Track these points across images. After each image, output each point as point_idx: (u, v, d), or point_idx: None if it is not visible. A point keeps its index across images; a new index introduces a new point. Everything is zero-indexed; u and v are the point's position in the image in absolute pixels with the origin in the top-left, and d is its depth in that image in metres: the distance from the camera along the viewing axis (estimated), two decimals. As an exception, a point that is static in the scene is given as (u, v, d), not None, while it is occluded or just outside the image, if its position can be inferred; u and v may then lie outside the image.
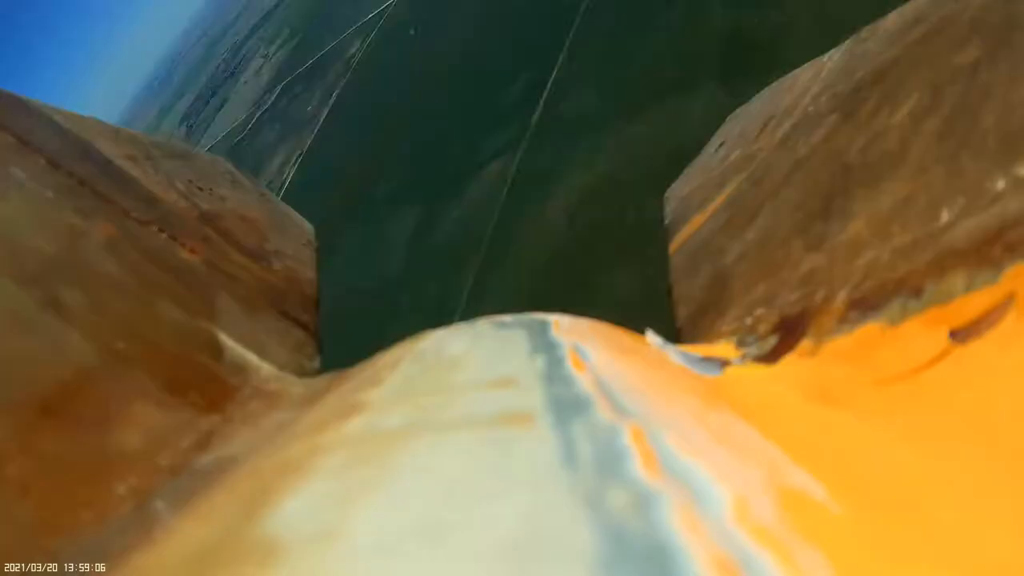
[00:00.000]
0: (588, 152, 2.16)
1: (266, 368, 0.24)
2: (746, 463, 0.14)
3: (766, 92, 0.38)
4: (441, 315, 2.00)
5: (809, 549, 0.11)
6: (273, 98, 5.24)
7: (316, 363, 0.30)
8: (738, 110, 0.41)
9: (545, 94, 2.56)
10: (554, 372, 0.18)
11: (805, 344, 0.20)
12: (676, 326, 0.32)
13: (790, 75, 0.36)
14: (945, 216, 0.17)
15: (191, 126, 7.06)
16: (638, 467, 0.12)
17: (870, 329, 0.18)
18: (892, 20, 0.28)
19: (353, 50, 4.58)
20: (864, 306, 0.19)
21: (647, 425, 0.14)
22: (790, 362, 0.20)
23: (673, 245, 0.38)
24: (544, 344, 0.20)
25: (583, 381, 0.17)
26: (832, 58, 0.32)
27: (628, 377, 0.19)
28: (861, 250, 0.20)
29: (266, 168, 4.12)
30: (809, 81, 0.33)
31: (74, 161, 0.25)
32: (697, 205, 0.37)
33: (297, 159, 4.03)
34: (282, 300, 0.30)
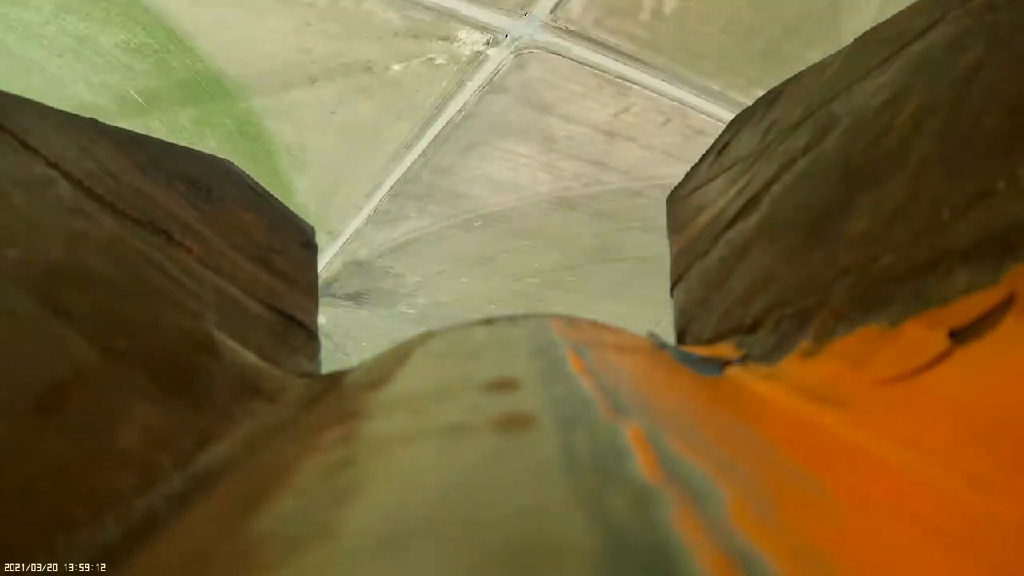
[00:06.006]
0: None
1: (266, 368, 0.24)
2: (746, 463, 0.14)
3: (770, 94, 0.38)
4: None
5: (809, 549, 0.11)
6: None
7: (316, 363, 0.30)
8: (741, 112, 0.41)
9: None
10: (554, 372, 0.18)
11: (805, 344, 0.20)
12: (676, 326, 0.32)
13: (793, 77, 0.36)
14: (945, 216, 0.17)
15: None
16: (638, 467, 0.12)
17: (870, 329, 0.18)
18: (894, 22, 0.28)
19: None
20: (864, 306, 0.19)
21: (647, 425, 0.14)
22: (790, 362, 0.20)
23: (675, 247, 0.38)
24: (544, 344, 0.20)
25: (583, 381, 0.17)
26: (835, 61, 0.32)
27: (628, 377, 0.19)
28: (861, 250, 0.20)
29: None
30: (812, 83, 0.33)
31: (74, 161, 0.25)
32: (699, 207, 0.37)
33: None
34: (282, 300, 0.30)
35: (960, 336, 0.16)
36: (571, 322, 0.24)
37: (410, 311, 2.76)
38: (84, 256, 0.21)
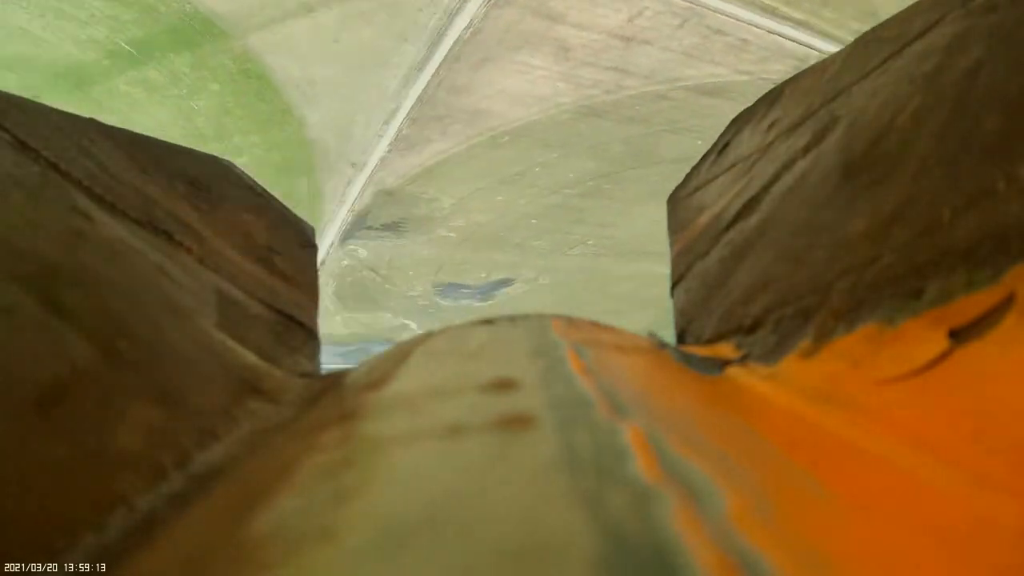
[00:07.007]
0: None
1: (266, 368, 0.24)
2: (746, 463, 0.14)
3: (770, 94, 0.38)
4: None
5: (809, 549, 0.11)
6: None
7: (316, 363, 0.30)
8: (742, 112, 0.41)
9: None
10: (554, 372, 0.18)
11: (805, 344, 0.20)
12: (676, 326, 0.32)
13: (793, 77, 0.36)
14: (945, 216, 0.17)
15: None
16: (638, 467, 0.12)
17: (870, 329, 0.18)
18: (894, 22, 0.28)
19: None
20: (864, 306, 0.19)
21: (647, 425, 0.14)
22: (790, 362, 0.20)
23: (676, 247, 0.38)
24: (544, 345, 0.20)
25: (583, 381, 0.17)
26: (835, 61, 0.32)
27: (628, 377, 0.19)
28: (861, 250, 0.20)
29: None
30: (812, 84, 0.33)
31: (74, 161, 0.25)
32: (700, 207, 0.37)
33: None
34: (282, 300, 0.30)
35: (960, 336, 0.16)
36: (571, 322, 0.24)
37: (450, 234, 2.67)
38: (84, 256, 0.21)
